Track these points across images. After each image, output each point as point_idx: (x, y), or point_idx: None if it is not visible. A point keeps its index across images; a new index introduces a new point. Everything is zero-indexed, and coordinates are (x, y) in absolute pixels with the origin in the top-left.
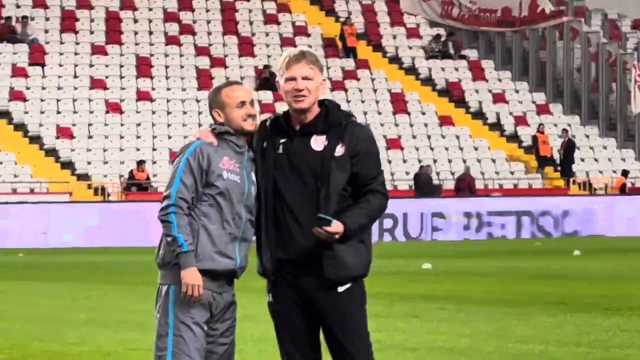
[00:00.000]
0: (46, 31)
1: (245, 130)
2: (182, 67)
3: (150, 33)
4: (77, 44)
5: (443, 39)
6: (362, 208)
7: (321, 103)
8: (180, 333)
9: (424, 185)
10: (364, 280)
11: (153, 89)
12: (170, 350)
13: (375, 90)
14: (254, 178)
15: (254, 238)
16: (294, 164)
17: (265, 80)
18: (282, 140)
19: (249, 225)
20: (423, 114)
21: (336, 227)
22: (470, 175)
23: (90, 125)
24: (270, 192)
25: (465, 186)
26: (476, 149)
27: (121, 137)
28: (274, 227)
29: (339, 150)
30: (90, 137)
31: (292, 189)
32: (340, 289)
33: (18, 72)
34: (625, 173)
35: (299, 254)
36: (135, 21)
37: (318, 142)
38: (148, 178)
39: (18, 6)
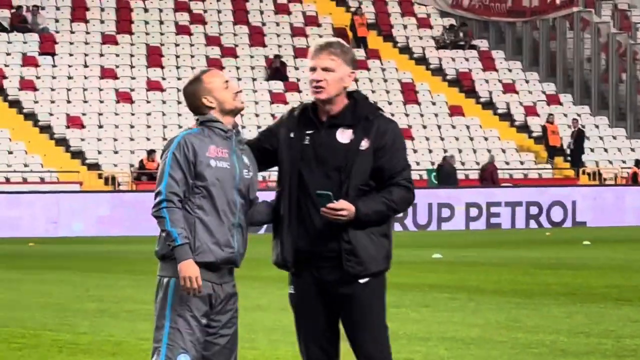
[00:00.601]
0: (56, 20)
1: (238, 107)
2: (192, 56)
3: (161, 22)
4: (88, 33)
5: (455, 28)
6: (381, 196)
7: (350, 95)
8: (177, 326)
9: (447, 176)
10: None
11: (163, 78)
12: (165, 342)
13: (385, 81)
14: (245, 160)
15: (265, 226)
16: (319, 156)
17: (276, 70)
18: (309, 132)
19: (243, 210)
20: (433, 104)
21: (342, 204)
22: (494, 165)
23: (100, 114)
24: (295, 184)
25: (488, 176)
26: (486, 139)
27: (131, 127)
28: (297, 218)
29: (364, 144)
30: (100, 126)
31: (316, 181)
32: (361, 281)
33: (28, 61)
34: (638, 163)
35: (321, 246)
36: (146, 10)
37: (344, 135)
38: (158, 168)
39: None
